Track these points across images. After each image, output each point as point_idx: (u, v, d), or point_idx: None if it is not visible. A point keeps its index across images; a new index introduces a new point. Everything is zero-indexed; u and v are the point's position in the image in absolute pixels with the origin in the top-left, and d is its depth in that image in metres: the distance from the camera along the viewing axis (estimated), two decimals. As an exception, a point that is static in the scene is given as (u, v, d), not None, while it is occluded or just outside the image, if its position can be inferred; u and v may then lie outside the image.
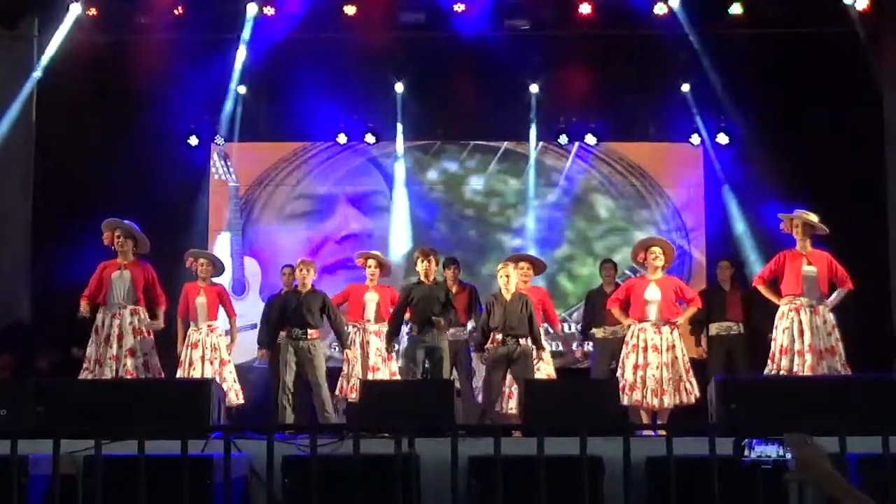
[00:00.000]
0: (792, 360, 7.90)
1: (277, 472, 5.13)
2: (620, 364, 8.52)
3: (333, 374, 9.47)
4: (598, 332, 9.80)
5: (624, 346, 8.52)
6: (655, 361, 8.27)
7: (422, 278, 8.69)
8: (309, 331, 8.83)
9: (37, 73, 11.33)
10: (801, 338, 7.93)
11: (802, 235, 8.17)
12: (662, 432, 6.85)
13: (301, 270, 8.98)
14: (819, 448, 2.66)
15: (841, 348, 8.01)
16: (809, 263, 8.10)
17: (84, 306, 8.38)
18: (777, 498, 4.88)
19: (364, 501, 4.88)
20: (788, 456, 2.81)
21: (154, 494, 4.83)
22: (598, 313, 9.74)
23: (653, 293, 8.44)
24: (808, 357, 7.85)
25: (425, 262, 8.65)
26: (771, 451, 2.98)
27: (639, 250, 8.78)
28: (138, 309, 8.44)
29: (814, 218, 8.21)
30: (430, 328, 8.48)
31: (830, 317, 8.08)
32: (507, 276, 8.35)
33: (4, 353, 10.25)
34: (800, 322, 7.96)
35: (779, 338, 8.07)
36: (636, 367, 8.29)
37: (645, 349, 8.33)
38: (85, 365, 8.32)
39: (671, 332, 8.42)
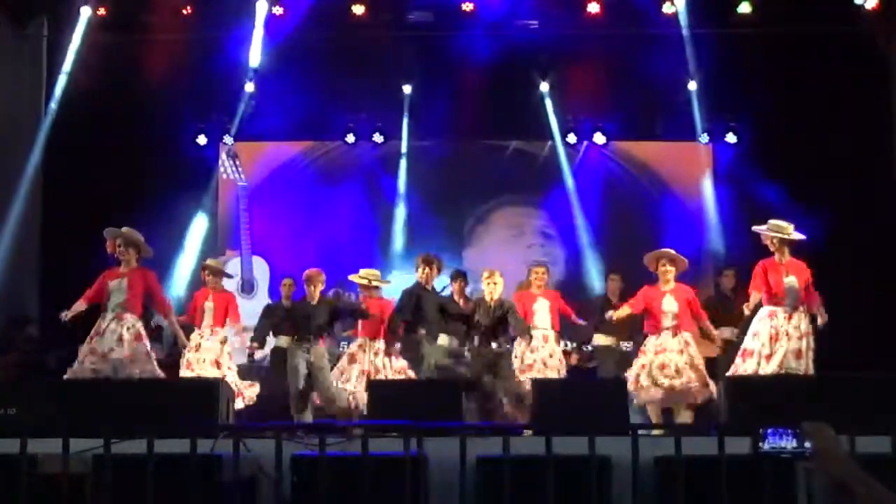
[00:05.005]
0: (758, 364, 7.90)
1: (286, 470, 5.13)
2: (639, 368, 8.53)
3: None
4: (602, 340, 9.83)
5: (641, 354, 8.58)
6: (674, 363, 8.37)
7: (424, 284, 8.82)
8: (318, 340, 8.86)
9: (63, 75, 11.38)
10: (770, 343, 7.93)
11: (780, 246, 8.15)
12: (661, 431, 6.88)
13: (309, 286, 8.94)
14: (835, 436, 2.70)
15: (810, 355, 7.96)
16: (788, 274, 8.08)
17: (76, 307, 8.34)
18: (786, 497, 4.87)
19: (372, 500, 4.89)
20: (807, 445, 2.85)
21: (163, 493, 4.83)
22: (603, 322, 9.67)
23: (669, 305, 8.61)
24: (773, 360, 7.86)
25: (427, 268, 8.82)
26: (786, 442, 2.99)
27: (651, 261, 8.86)
28: (129, 316, 8.23)
29: (789, 230, 8.14)
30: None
31: (804, 324, 8.03)
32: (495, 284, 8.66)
33: (13, 351, 10.28)
34: (773, 329, 7.95)
35: (746, 341, 8.08)
36: (663, 366, 8.35)
37: (663, 351, 8.44)
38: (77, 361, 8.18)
39: (683, 337, 8.54)
